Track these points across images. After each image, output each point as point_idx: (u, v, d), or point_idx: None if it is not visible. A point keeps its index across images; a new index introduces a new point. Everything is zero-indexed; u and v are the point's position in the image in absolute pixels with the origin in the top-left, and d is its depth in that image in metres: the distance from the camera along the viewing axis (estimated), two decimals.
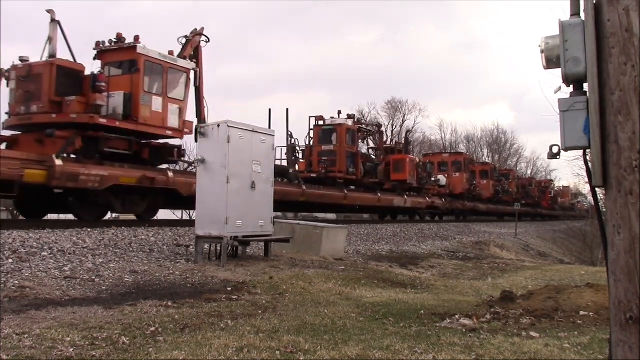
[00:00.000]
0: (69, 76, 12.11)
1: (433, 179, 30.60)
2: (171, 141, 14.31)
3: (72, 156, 11.79)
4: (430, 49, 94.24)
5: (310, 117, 23.10)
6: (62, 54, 12.67)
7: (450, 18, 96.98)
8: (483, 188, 37.82)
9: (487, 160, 59.12)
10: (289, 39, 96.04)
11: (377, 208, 26.14)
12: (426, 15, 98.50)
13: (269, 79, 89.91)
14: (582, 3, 2.29)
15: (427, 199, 28.24)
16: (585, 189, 51.91)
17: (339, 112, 23.56)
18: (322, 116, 23.23)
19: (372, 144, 32.76)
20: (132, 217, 13.86)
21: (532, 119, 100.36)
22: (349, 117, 23.50)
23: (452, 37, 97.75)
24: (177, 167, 16.07)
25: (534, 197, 48.46)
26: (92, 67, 12.87)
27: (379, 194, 23.91)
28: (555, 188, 61.54)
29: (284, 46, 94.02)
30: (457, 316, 5.69)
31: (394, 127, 56.88)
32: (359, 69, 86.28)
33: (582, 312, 5.65)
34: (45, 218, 13.55)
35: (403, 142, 31.52)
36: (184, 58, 14.06)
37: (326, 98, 77.47)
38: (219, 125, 9.43)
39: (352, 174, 22.73)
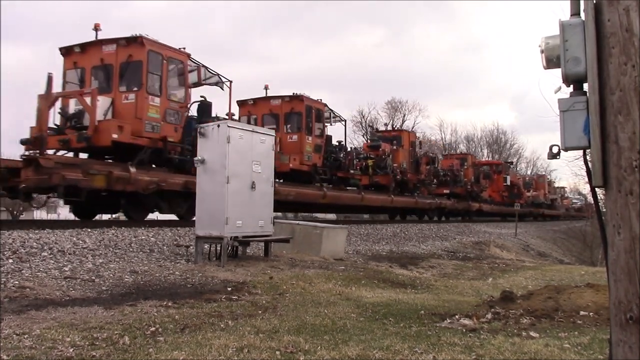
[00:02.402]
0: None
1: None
2: None
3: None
4: (431, 49, 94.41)
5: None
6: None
7: (452, 19, 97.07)
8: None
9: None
10: (291, 40, 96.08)
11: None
12: (428, 16, 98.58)
13: (270, 79, 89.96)
14: (582, 3, 2.29)
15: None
16: (586, 188, 50.24)
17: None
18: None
19: None
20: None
21: (533, 119, 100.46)
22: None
23: (454, 38, 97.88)
24: None
25: (464, 185, 33.06)
26: None
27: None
28: (518, 176, 50.14)
29: (286, 47, 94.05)
30: (457, 316, 5.69)
31: (394, 127, 56.87)
32: (360, 70, 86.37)
33: (582, 312, 5.65)
34: (46, 218, 13.58)
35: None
36: None
37: (327, 98, 77.30)
38: (218, 126, 9.43)
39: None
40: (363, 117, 57.14)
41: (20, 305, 5.54)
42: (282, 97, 19.73)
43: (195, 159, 9.49)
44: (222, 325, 4.97)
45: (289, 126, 19.87)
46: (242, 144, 9.55)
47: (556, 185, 64.21)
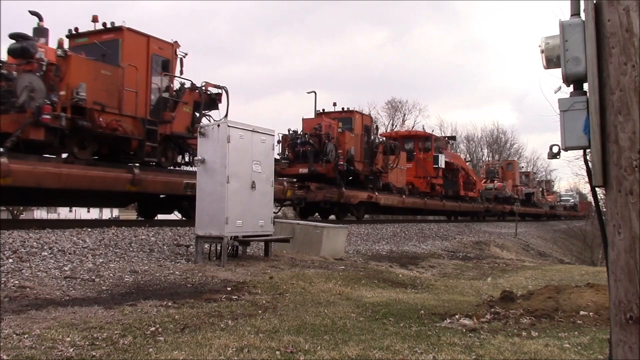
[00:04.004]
0: None
1: None
2: None
3: None
4: (433, 49, 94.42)
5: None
6: None
7: (454, 19, 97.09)
8: None
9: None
10: (293, 40, 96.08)
11: None
12: (430, 17, 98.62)
13: (271, 79, 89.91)
14: (582, 3, 2.29)
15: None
16: (586, 188, 49.35)
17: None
18: None
19: None
20: (132, 217, 14.15)
21: (534, 119, 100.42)
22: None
23: (455, 38, 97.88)
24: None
25: (334, 160, 19.39)
26: None
27: None
28: (469, 160, 42.18)
29: (288, 47, 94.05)
30: (457, 316, 5.69)
31: (394, 127, 56.87)
32: (362, 70, 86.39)
33: (582, 312, 5.65)
34: (47, 218, 13.62)
35: None
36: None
37: (328, 98, 77.47)
38: (219, 125, 9.43)
39: None
40: None
41: (20, 305, 5.54)
42: None
43: (196, 158, 9.50)
44: (222, 325, 4.97)
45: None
46: (243, 144, 9.55)
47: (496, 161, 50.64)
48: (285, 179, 17.26)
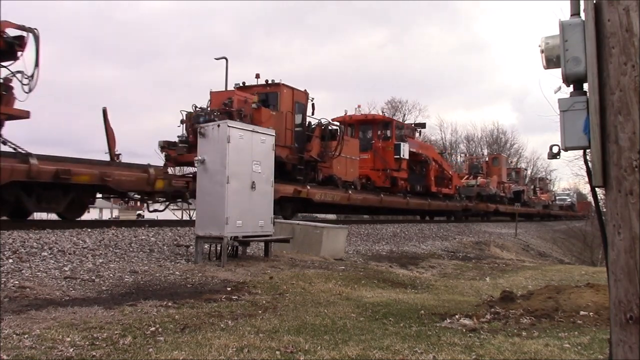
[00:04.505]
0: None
1: None
2: None
3: None
4: (434, 50, 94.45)
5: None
6: None
7: (455, 19, 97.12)
8: None
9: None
10: (293, 40, 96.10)
11: None
12: (430, 17, 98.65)
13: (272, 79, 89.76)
14: (582, 3, 2.29)
15: None
16: (586, 188, 48.61)
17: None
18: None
19: None
20: (132, 217, 13.99)
21: (534, 119, 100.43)
22: None
23: (456, 38, 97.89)
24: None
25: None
26: None
27: None
28: (444, 151, 38.79)
29: (289, 47, 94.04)
30: (457, 316, 5.69)
31: (270, 80, 56.46)
32: (362, 70, 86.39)
33: (582, 312, 5.65)
34: (47, 218, 13.61)
35: None
36: None
37: (329, 98, 77.54)
38: (219, 125, 9.43)
39: None
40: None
41: (20, 305, 5.54)
42: None
43: (196, 158, 9.49)
44: (222, 325, 4.97)
45: None
46: (242, 144, 9.55)
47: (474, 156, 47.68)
48: (153, 165, 13.04)
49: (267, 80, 17.12)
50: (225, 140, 9.18)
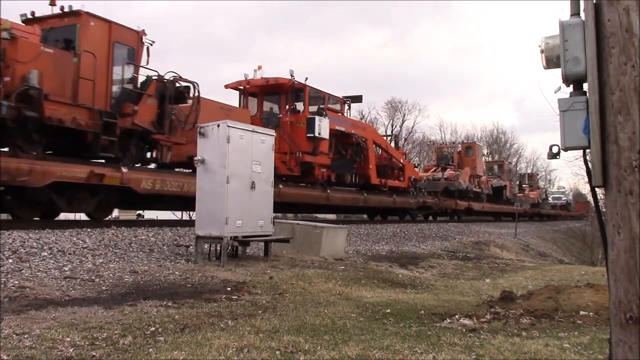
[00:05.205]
0: None
1: None
2: None
3: None
4: (434, 50, 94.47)
5: None
6: None
7: (454, 19, 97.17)
8: None
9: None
10: (294, 40, 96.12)
11: None
12: (431, 17, 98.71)
13: None
14: (582, 3, 2.29)
15: None
16: (586, 188, 47.86)
17: None
18: None
19: None
20: (132, 216, 13.97)
21: (535, 119, 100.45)
22: None
23: (456, 38, 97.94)
24: None
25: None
26: None
27: None
28: (396, 133, 34.04)
29: (289, 47, 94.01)
30: (457, 316, 5.69)
31: (394, 127, 56.92)
32: (363, 71, 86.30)
33: (582, 312, 5.65)
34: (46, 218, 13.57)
35: None
36: None
37: None
38: (218, 125, 9.43)
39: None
40: (363, 116, 57.18)
41: (20, 305, 5.54)
42: None
43: (195, 158, 9.49)
44: (222, 325, 4.97)
45: None
46: (242, 144, 9.55)
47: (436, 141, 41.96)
48: None
49: (62, 7, 11.63)
50: (225, 140, 9.18)
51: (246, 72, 17.68)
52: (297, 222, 13.68)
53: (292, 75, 17.47)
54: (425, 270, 12.78)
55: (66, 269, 7.54)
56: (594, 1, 2.21)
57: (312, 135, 17.50)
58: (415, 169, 27.28)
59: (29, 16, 11.84)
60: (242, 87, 17.79)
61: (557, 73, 2.35)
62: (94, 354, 3.89)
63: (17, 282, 6.55)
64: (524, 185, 45.12)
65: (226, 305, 6.02)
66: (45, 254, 8.15)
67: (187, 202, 12.44)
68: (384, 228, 19.47)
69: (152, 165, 13.58)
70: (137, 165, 12.78)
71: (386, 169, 22.95)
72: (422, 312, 6.08)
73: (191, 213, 26.44)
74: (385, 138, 25.24)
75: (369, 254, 13.75)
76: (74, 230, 10.19)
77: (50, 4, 11.52)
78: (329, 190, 18.55)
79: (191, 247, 9.96)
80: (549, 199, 53.37)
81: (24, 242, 8.54)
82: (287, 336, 4.51)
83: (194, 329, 4.77)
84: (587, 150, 2.27)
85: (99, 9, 11.79)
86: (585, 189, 47.34)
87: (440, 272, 12.62)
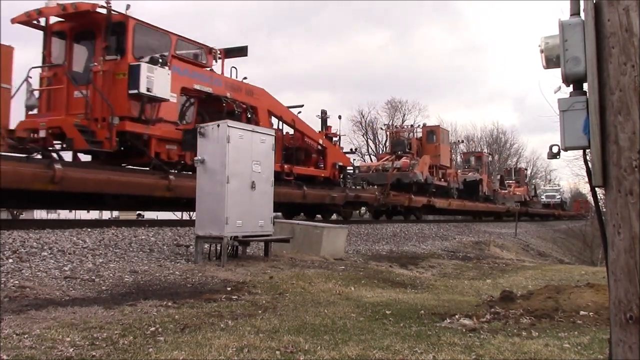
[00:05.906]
0: None
1: None
2: None
3: None
4: (435, 50, 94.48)
5: None
6: None
7: (455, 19, 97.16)
8: None
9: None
10: (295, 41, 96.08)
11: None
12: (431, 17, 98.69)
13: (272, 80, 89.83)
14: (582, 3, 2.29)
15: None
16: (586, 188, 47.32)
17: None
18: None
19: None
20: (132, 216, 14.02)
21: (535, 119, 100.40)
22: None
23: (457, 39, 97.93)
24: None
25: None
26: None
27: None
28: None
29: (289, 47, 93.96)
30: (457, 316, 5.69)
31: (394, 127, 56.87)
32: (363, 71, 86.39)
33: (582, 312, 5.65)
34: (46, 218, 13.63)
35: None
36: None
37: (328, 98, 77.60)
38: (218, 125, 9.43)
39: None
40: (363, 116, 57.19)
41: (20, 305, 5.54)
42: None
43: (195, 158, 9.48)
44: (222, 325, 4.97)
45: None
46: (242, 144, 9.55)
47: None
48: None
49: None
50: (225, 140, 9.19)
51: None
52: (298, 222, 13.68)
53: (107, 2, 11.64)
54: (426, 270, 12.78)
55: (66, 268, 7.54)
56: (594, 1, 2.21)
57: (135, 92, 11.58)
58: (350, 155, 21.55)
59: None
60: (36, 22, 12.23)
61: (557, 73, 2.35)
62: (94, 354, 3.89)
63: (17, 282, 6.55)
64: (509, 181, 40.65)
65: (226, 305, 6.02)
66: (46, 253, 8.15)
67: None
68: (384, 228, 19.47)
69: None
70: None
71: (295, 151, 17.44)
72: (422, 312, 6.08)
73: (191, 213, 26.40)
74: (296, 112, 17.80)
75: (369, 254, 13.75)
76: (74, 230, 10.19)
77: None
78: (172, 177, 12.37)
79: (191, 247, 9.96)
80: (542, 196, 49.60)
81: (24, 242, 8.54)
82: (287, 336, 4.51)
83: (194, 329, 4.77)
84: (587, 150, 2.27)
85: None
86: (586, 188, 46.99)
87: (441, 272, 12.62)
